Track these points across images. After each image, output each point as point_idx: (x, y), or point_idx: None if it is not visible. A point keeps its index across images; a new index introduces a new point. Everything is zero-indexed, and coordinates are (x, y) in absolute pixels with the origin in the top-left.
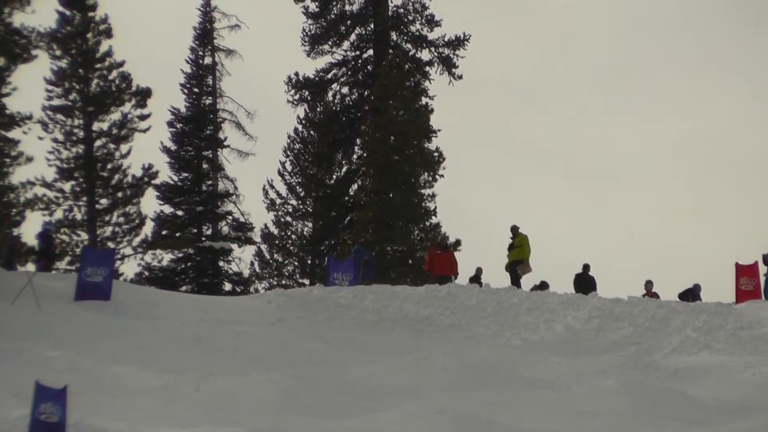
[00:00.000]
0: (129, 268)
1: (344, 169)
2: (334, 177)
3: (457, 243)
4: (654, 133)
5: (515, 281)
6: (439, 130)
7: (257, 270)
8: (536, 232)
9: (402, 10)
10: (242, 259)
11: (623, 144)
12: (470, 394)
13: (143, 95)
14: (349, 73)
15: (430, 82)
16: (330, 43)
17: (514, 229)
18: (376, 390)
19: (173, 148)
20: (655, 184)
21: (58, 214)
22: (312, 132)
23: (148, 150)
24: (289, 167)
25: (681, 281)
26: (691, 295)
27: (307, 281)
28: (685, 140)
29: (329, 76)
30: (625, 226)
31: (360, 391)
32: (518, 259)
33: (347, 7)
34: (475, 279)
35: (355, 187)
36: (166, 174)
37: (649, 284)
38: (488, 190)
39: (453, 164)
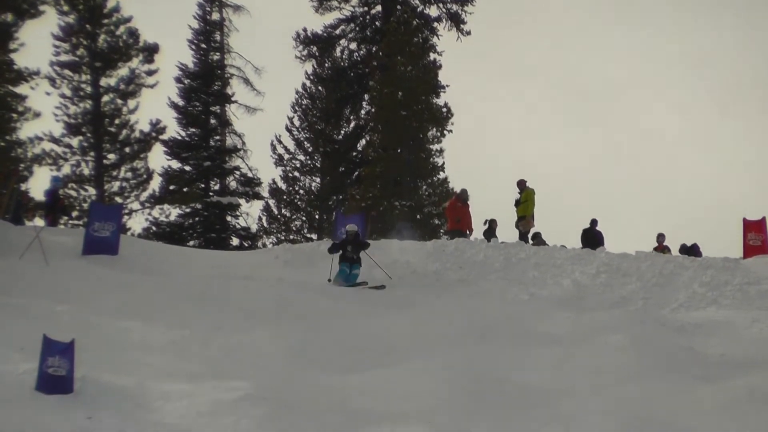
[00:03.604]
0: (136, 223)
1: (352, 125)
2: (342, 133)
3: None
4: (661, 52)
5: (523, 237)
6: (447, 86)
7: (265, 225)
8: (540, 171)
9: None
10: (250, 214)
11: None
12: (477, 349)
13: (151, 51)
14: (357, 29)
15: (438, 38)
16: None
17: (521, 184)
18: (383, 345)
19: (181, 103)
20: (663, 113)
21: (66, 170)
22: (320, 88)
23: (156, 105)
24: (297, 123)
25: (686, 224)
26: (691, 253)
27: (314, 236)
28: (698, 62)
29: (337, 32)
30: (634, 159)
31: (367, 347)
32: (522, 215)
33: None
34: (489, 232)
35: (363, 142)
36: (173, 129)
37: (661, 237)
38: (490, 122)
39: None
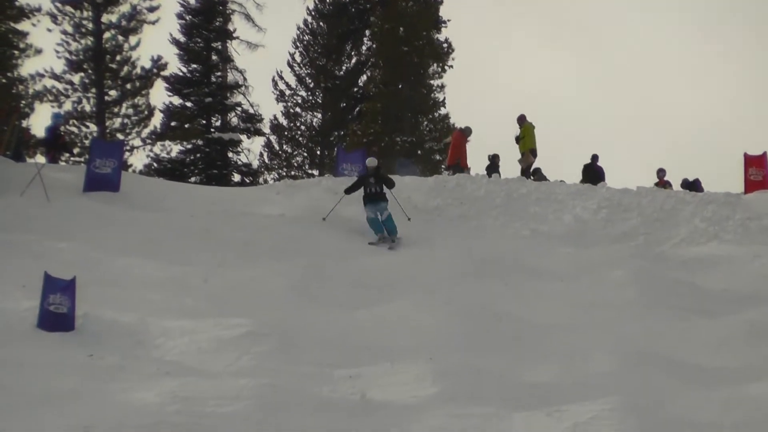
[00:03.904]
0: (138, 159)
1: (353, 61)
2: (344, 68)
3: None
4: None
5: (524, 173)
6: (448, 21)
7: (266, 161)
8: (542, 106)
9: None
10: (251, 150)
11: None
12: (478, 284)
13: None
14: None
15: None
16: None
17: (520, 120)
18: (384, 281)
19: (182, 40)
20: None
21: (67, 106)
22: (321, 23)
23: (157, 42)
24: (298, 59)
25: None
26: (693, 188)
27: (316, 172)
28: None
29: None
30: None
31: (368, 282)
32: (522, 151)
33: None
34: (492, 167)
35: (364, 78)
36: (175, 66)
37: (661, 172)
38: (491, 57)
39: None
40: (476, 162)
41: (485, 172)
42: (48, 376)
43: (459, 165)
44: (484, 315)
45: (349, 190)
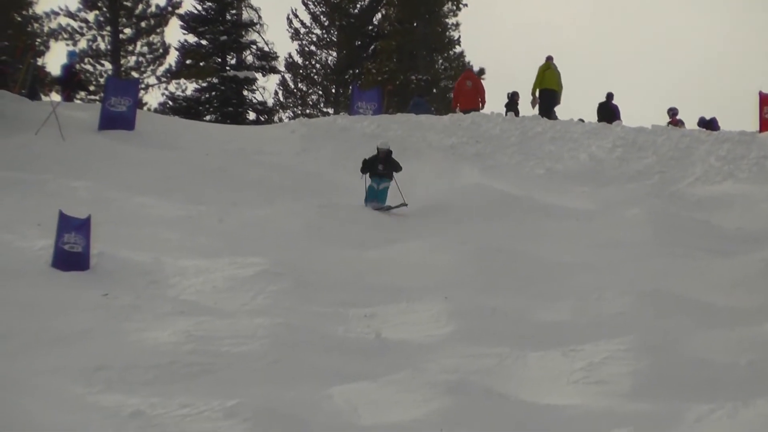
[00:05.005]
0: (153, 97)
1: None
2: (359, 6)
3: (481, 72)
4: None
5: (544, 112)
6: None
7: (281, 99)
8: (557, 45)
9: None
10: (266, 88)
11: None
12: (493, 223)
13: None
14: None
15: None
16: None
17: (547, 59)
18: (400, 220)
19: None
20: None
21: (82, 44)
22: None
23: None
24: None
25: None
26: (710, 127)
27: (331, 110)
28: None
29: None
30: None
31: (383, 221)
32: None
33: None
34: (511, 105)
35: (379, 16)
36: (189, 3)
37: (672, 111)
38: None
39: None
40: (494, 101)
41: (504, 110)
42: (62, 316)
43: (477, 109)
44: (499, 254)
45: (363, 170)
